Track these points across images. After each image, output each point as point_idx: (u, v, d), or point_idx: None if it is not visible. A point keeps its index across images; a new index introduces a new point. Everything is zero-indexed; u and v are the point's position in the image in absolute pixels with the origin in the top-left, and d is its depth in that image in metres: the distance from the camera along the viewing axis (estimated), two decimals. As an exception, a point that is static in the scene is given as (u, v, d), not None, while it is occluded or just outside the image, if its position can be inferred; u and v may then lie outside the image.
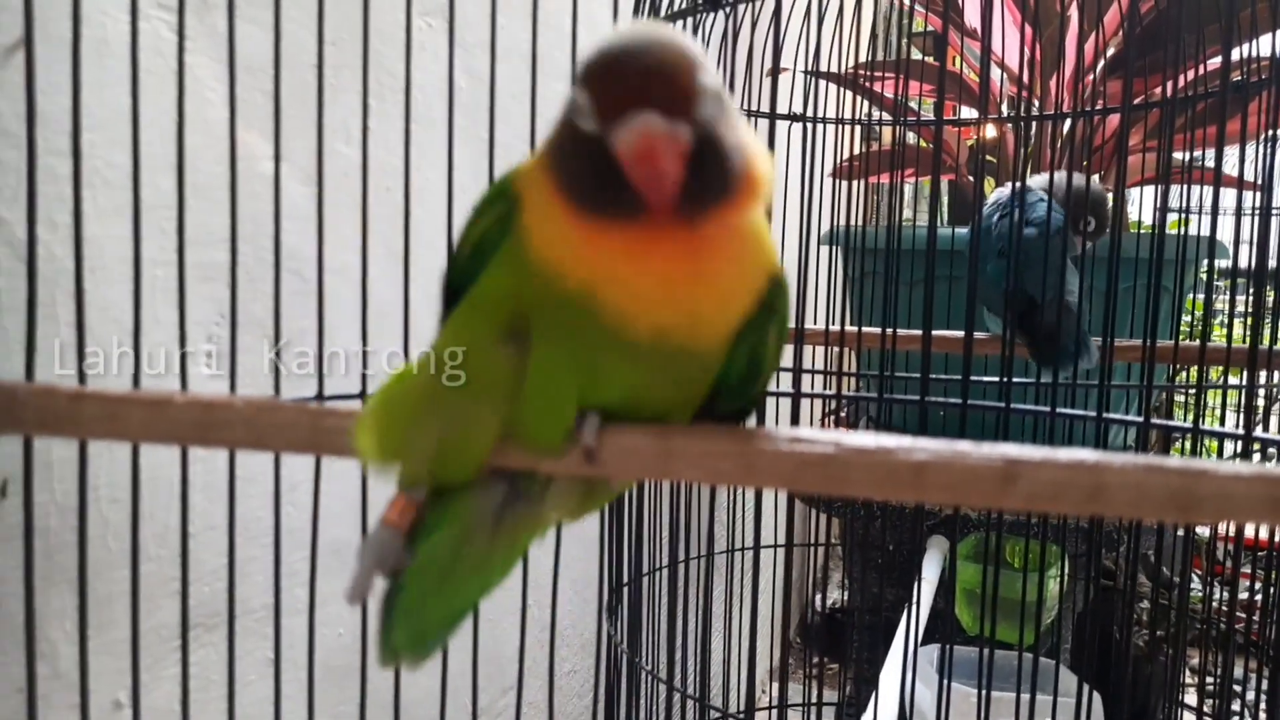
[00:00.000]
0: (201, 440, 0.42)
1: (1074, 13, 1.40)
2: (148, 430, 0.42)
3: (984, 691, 0.83)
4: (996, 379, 0.82)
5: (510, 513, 0.42)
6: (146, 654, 0.62)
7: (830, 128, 1.24)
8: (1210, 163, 1.30)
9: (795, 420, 0.82)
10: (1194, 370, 1.08)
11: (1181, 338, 1.24)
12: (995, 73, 1.57)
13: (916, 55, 1.82)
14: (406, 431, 0.39)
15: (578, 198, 0.35)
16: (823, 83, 1.20)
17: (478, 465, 0.39)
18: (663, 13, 0.92)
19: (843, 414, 1.70)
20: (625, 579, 1.07)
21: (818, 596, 2.30)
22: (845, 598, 2.12)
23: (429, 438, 0.39)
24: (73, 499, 0.57)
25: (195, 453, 0.61)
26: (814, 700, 1.38)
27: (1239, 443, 0.77)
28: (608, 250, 0.35)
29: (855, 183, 1.50)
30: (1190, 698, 1.45)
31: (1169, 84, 0.90)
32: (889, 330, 0.91)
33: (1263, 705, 1.10)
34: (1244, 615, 1.57)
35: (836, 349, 1.08)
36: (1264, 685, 1.08)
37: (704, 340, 0.37)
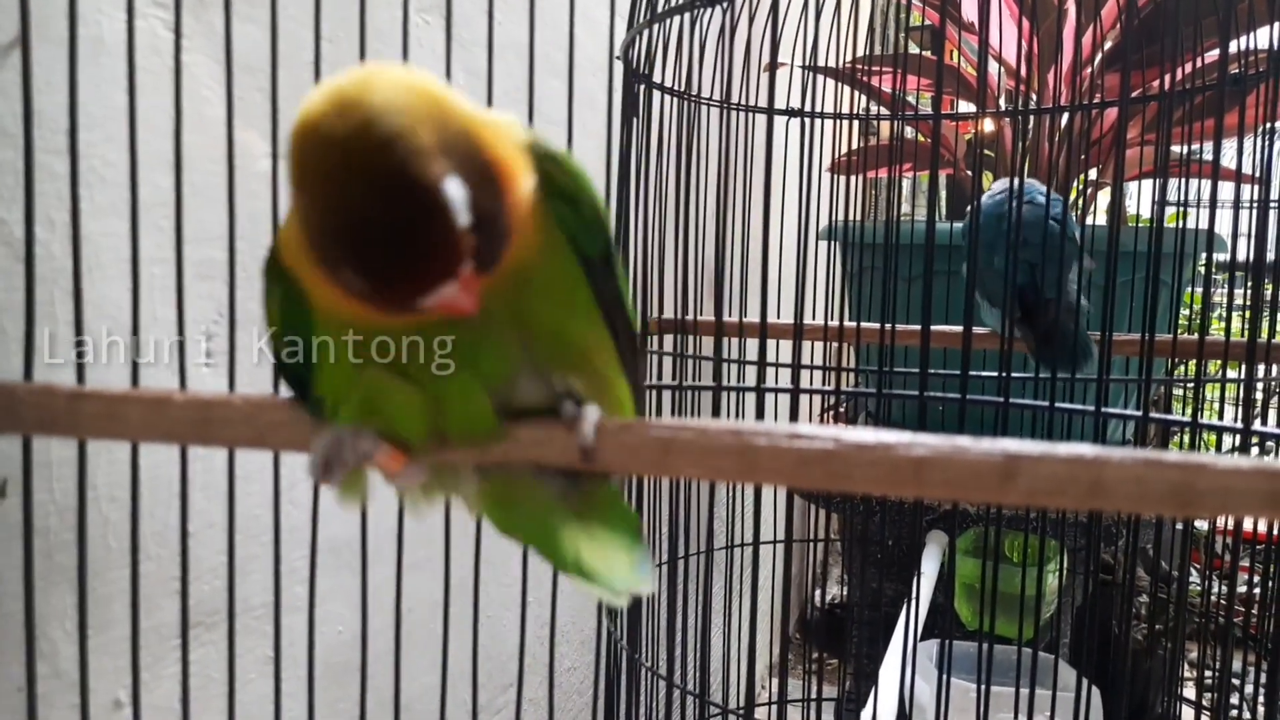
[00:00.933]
0: (201, 439, 0.42)
1: (1071, 6, 1.40)
2: (147, 429, 0.42)
3: (983, 686, 0.84)
4: (995, 374, 0.82)
5: (579, 486, 0.43)
6: (146, 653, 0.62)
7: (828, 123, 1.24)
8: (1208, 156, 1.30)
9: (794, 416, 0.83)
10: (1192, 364, 1.08)
11: (1180, 331, 1.24)
12: (993, 67, 1.57)
13: (914, 50, 1.81)
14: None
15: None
16: (820, 78, 1.20)
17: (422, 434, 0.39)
18: (660, 8, 0.91)
19: (841, 409, 1.70)
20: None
21: (817, 592, 2.30)
22: (845, 593, 2.13)
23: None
24: (72, 498, 0.57)
25: (194, 451, 0.61)
26: (813, 696, 1.38)
27: (1237, 436, 0.77)
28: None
29: (853, 178, 1.50)
30: (1189, 691, 1.45)
31: (1167, 77, 0.90)
32: (888, 325, 0.91)
33: (1261, 699, 1.11)
34: (1242, 609, 1.58)
35: (835, 345, 1.08)
36: (1263, 679, 1.08)
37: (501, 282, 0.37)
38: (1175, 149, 1.23)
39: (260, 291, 0.41)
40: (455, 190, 0.32)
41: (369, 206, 0.31)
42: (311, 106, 0.33)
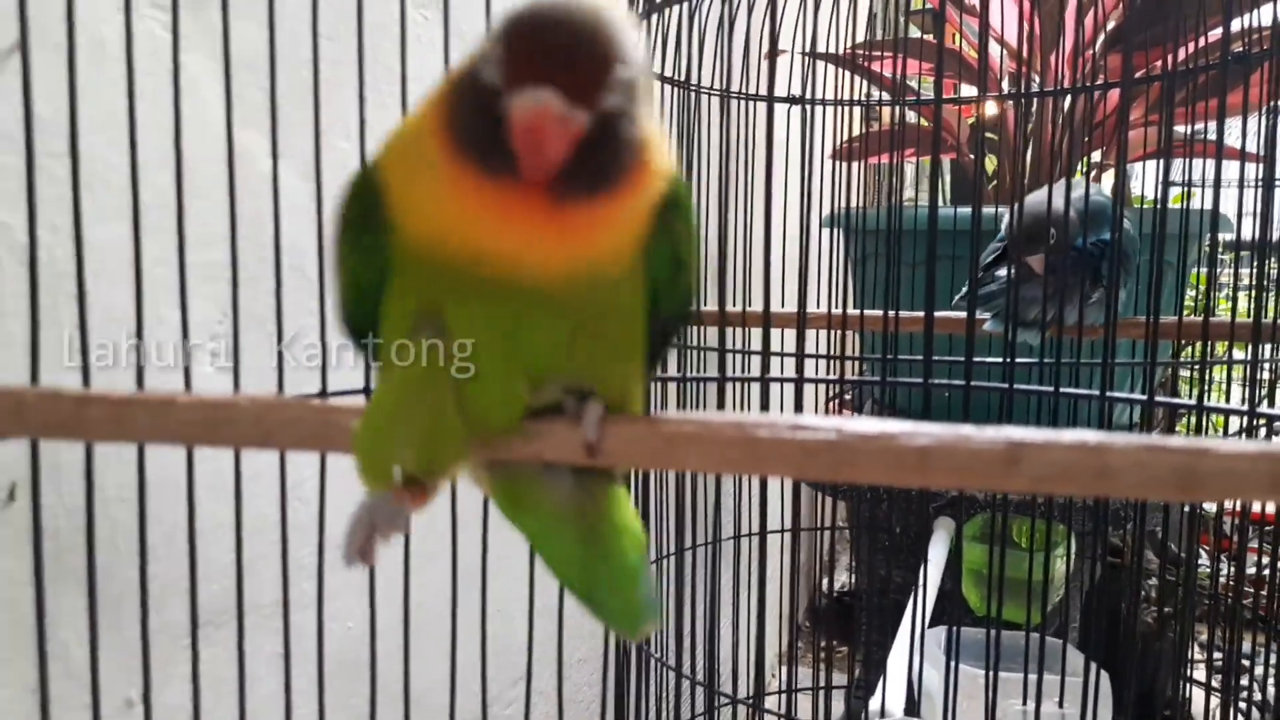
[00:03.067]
0: (207, 439, 0.43)
1: (1072, -12, 1.39)
2: (153, 431, 0.42)
3: (991, 672, 0.84)
4: (1000, 360, 0.82)
5: (586, 488, 0.43)
6: (157, 652, 0.63)
7: (829, 109, 1.24)
8: (1212, 136, 1.29)
9: (800, 406, 0.83)
10: (1199, 346, 1.07)
11: (1186, 313, 1.23)
12: (995, 49, 1.56)
13: (915, 33, 1.80)
14: (382, 442, 0.40)
15: (464, 144, 0.34)
16: (820, 64, 1.20)
17: (458, 451, 0.39)
18: (658, -1, 0.91)
19: (847, 398, 1.70)
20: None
21: (826, 580, 2.30)
22: (854, 581, 2.13)
23: (402, 439, 0.39)
24: (80, 500, 0.57)
25: (201, 452, 0.61)
26: (823, 684, 1.38)
27: (1244, 418, 0.76)
28: (480, 201, 0.35)
29: (856, 164, 1.49)
30: (1199, 673, 1.45)
31: (1169, 57, 0.89)
32: (891, 313, 0.91)
33: (1271, 679, 1.11)
34: (1251, 590, 1.57)
35: (839, 333, 1.08)
36: (1272, 659, 1.08)
37: (597, 268, 0.37)
38: (1179, 129, 1.23)
39: (334, 235, 0.40)
40: (622, 67, 0.33)
41: (563, 10, 0.32)
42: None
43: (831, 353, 1.23)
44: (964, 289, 1.07)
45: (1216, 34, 1.11)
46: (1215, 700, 1.28)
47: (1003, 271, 1.01)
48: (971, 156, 1.59)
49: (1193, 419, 0.83)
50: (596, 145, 0.33)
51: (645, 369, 0.42)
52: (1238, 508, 1.35)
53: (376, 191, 0.37)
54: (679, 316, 0.42)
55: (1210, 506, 1.57)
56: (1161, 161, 0.87)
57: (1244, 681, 1.34)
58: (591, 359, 0.38)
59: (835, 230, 1.44)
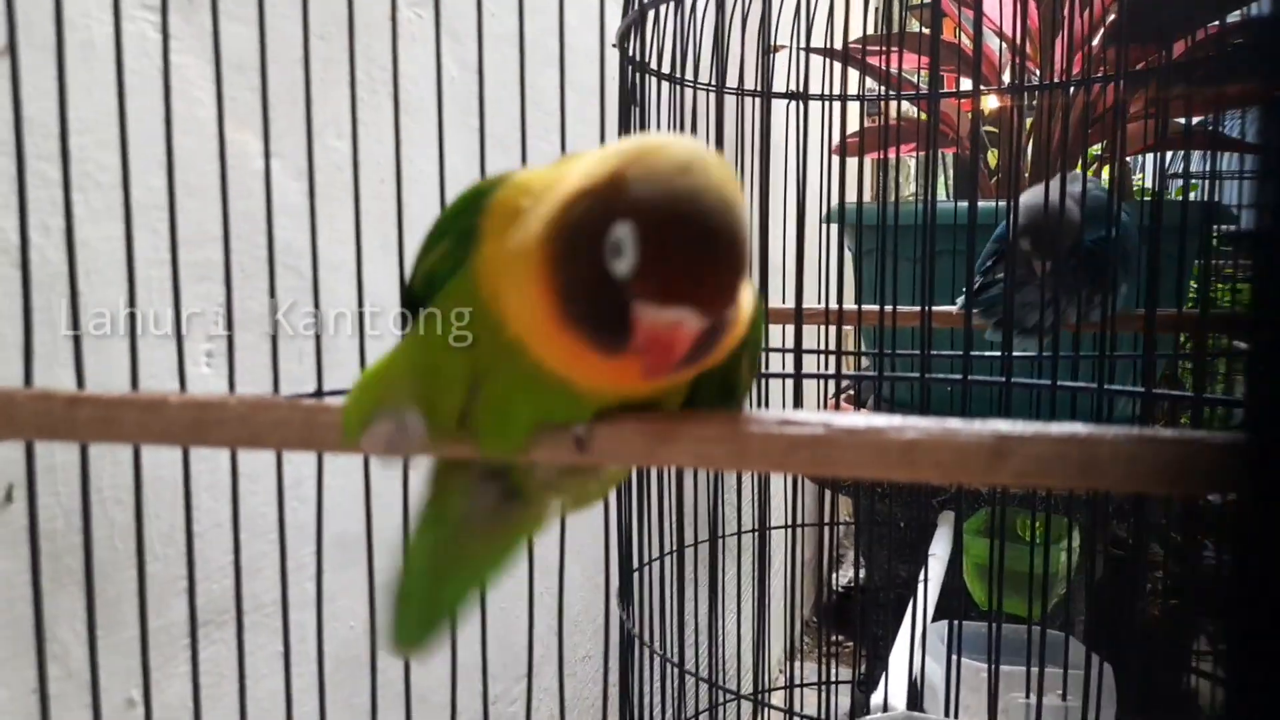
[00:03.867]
0: (197, 440, 0.43)
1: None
2: (143, 432, 0.42)
3: (993, 666, 0.84)
4: (998, 354, 0.82)
5: (504, 512, 0.43)
6: (157, 652, 0.63)
7: (827, 104, 1.23)
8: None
9: (798, 401, 0.82)
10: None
11: (1187, 305, 1.23)
12: (994, 43, 1.55)
13: (914, 28, 1.80)
14: (383, 387, 0.39)
15: (577, 319, 0.33)
16: (817, 59, 1.19)
17: (457, 406, 0.38)
18: (654, -6, 0.91)
19: (850, 393, 1.69)
20: (636, 564, 1.07)
21: (832, 575, 2.30)
22: (859, 575, 2.13)
23: (406, 388, 0.39)
24: (77, 501, 0.58)
25: (198, 451, 0.61)
26: (828, 679, 1.38)
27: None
28: (579, 358, 0.34)
29: (854, 159, 1.49)
30: (1206, 665, 1.45)
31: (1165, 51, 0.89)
32: (888, 308, 0.90)
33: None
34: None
35: (836, 328, 1.08)
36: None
37: (659, 398, 0.38)
38: (1181, 121, 1.22)
39: (431, 231, 0.39)
40: (745, 287, 0.32)
41: (705, 207, 0.31)
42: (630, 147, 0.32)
43: (828, 348, 1.23)
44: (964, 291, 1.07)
45: (1214, 27, 1.11)
46: (1220, 692, 1.28)
47: (1002, 274, 1.00)
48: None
49: (1197, 411, 0.82)
50: (708, 335, 0.33)
51: None
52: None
53: (477, 237, 0.37)
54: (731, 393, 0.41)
55: (1215, 497, 1.57)
56: (1158, 154, 0.87)
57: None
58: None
59: (833, 225, 1.44)
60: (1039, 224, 0.92)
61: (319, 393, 0.59)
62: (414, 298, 0.41)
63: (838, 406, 1.55)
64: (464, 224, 0.37)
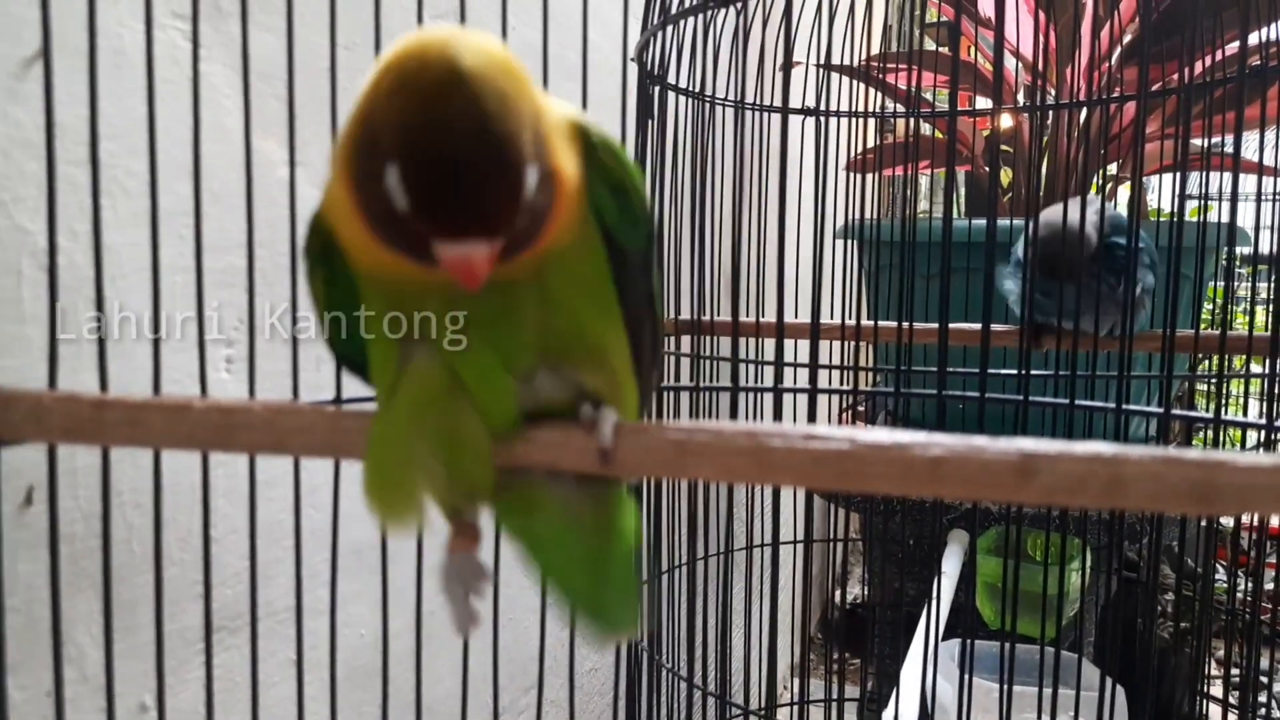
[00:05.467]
0: (222, 445, 0.43)
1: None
2: (169, 436, 0.42)
3: (1006, 686, 0.83)
4: (1015, 372, 0.82)
5: (584, 491, 0.42)
6: (171, 657, 0.63)
7: (844, 121, 1.24)
8: (1229, 149, 1.28)
9: (812, 416, 0.82)
10: (1215, 359, 1.07)
11: (1203, 326, 1.23)
12: (1010, 62, 1.56)
13: (930, 46, 1.80)
14: (403, 472, 0.39)
15: (379, 238, 0.34)
16: (836, 76, 1.20)
17: (486, 463, 0.39)
18: (674, 9, 0.91)
19: (861, 409, 1.69)
20: (644, 577, 1.07)
21: (839, 592, 2.29)
22: (866, 593, 2.12)
23: (424, 462, 0.38)
24: (97, 505, 0.58)
25: (216, 457, 0.62)
26: (835, 696, 1.38)
27: (1262, 432, 0.76)
28: (409, 267, 0.35)
29: (870, 176, 1.49)
30: (1216, 689, 1.44)
31: (1186, 70, 0.89)
32: (906, 324, 0.90)
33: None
34: (1269, 606, 1.56)
35: (853, 344, 1.08)
36: (1291, 676, 1.07)
37: (542, 260, 0.37)
38: (1196, 142, 1.22)
39: (304, 273, 0.42)
40: (530, 170, 0.33)
41: (453, 143, 0.31)
42: (400, 52, 0.33)
43: (845, 363, 1.23)
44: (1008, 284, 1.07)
45: (1234, 47, 1.11)
46: (1233, 717, 1.27)
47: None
48: (986, 169, 1.59)
49: (1210, 433, 0.82)
50: (517, 240, 0.34)
51: (638, 353, 0.42)
52: (1255, 523, 1.34)
53: (327, 231, 0.39)
54: (645, 251, 0.41)
55: (1228, 521, 1.56)
56: (1178, 174, 0.87)
57: (1261, 698, 1.33)
58: (565, 326, 0.39)
59: (850, 242, 1.44)
60: (1055, 248, 0.92)
61: (338, 400, 0.59)
62: (350, 360, 0.43)
63: (853, 422, 1.55)
64: (317, 238, 0.40)
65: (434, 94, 0.31)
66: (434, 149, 0.31)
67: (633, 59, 0.96)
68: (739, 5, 0.87)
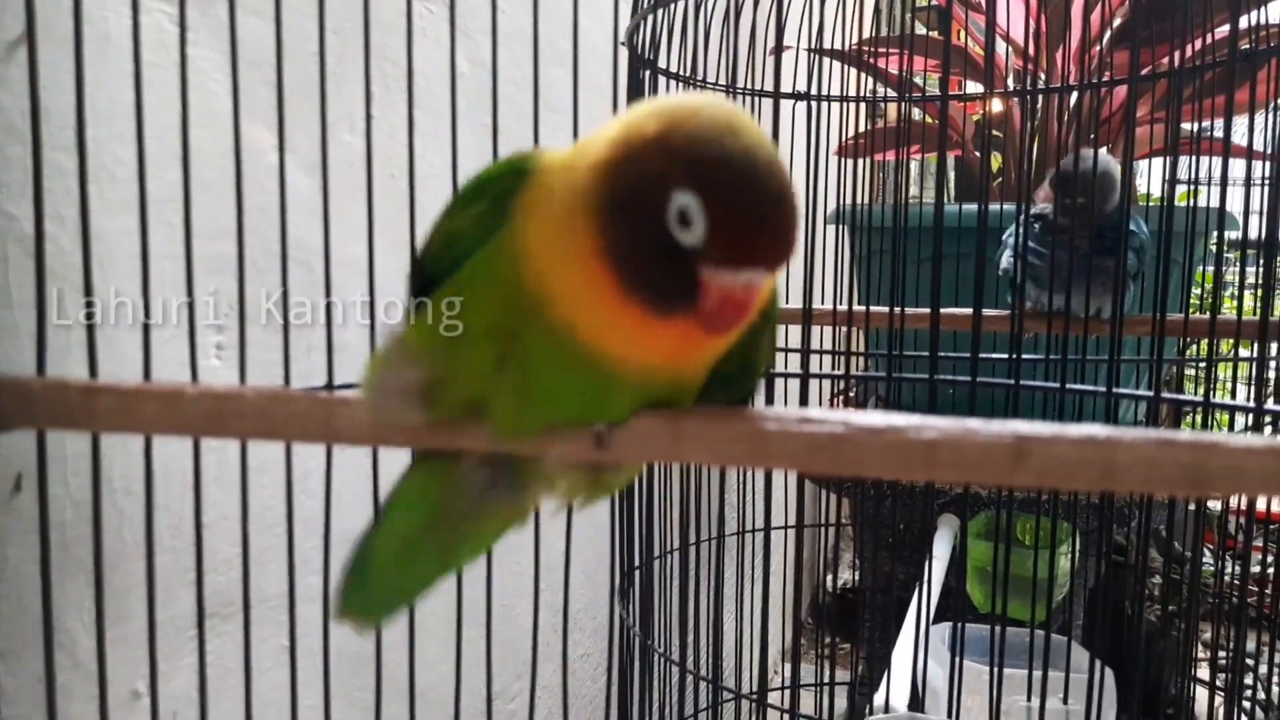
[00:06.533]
0: (214, 431, 0.43)
1: (1079, -16, 1.39)
2: (160, 423, 0.42)
3: (996, 668, 0.84)
4: (1006, 356, 0.82)
5: (491, 499, 0.42)
6: (164, 644, 0.63)
7: (835, 105, 1.23)
8: (1219, 133, 1.29)
9: (804, 401, 0.83)
10: (1204, 343, 1.07)
11: (1192, 311, 1.23)
12: (1000, 46, 1.55)
13: (921, 30, 1.80)
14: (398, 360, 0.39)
15: (633, 284, 0.33)
16: (827, 60, 1.20)
17: (473, 390, 0.38)
18: (665, -7, 0.91)
19: (851, 394, 1.70)
20: (637, 562, 1.07)
21: (829, 577, 2.30)
22: (856, 577, 2.13)
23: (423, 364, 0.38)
24: (87, 492, 0.58)
25: (207, 444, 0.61)
26: (826, 680, 1.39)
27: (1250, 415, 0.76)
28: (629, 325, 0.34)
29: (861, 160, 1.49)
30: (1203, 672, 1.45)
31: (1176, 54, 0.89)
32: (897, 309, 0.91)
33: (1275, 678, 1.10)
34: (1256, 589, 1.57)
35: (845, 329, 1.08)
36: (1277, 658, 1.08)
37: (692, 374, 0.38)
38: (1186, 126, 1.22)
39: (461, 195, 0.38)
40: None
41: (762, 169, 0.31)
42: (649, 109, 0.33)
43: (837, 349, 1.23)
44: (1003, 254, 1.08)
45: (1224, 31, 1.11)
46: (1219, 699, 1.28)
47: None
48: (977, 154, 1.59)
49: (1198, 416, 0.83)
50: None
51: None
52: (1243, 506, 1.35)
53: (512, 212, 0.36)
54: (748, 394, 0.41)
55: (1215, 504, 1.57)
56: (1168, 159, 0.87)
57: (1248, 680, 1.34)
58: (664, 400, 0.38)
59: (840, 227, 1.44)
60: (1074, 168, 0.93)
61: (329, 386, 0.59)
62: (423, 270, 0.40)
63: (844, 407, 1.55)
64: (503, 187, 0.37)
65: (726, 128, 0.32)
66: (744, 174, 0.31)
67: (623, 43, 0.95)
68: (730, -11, 0.86)
